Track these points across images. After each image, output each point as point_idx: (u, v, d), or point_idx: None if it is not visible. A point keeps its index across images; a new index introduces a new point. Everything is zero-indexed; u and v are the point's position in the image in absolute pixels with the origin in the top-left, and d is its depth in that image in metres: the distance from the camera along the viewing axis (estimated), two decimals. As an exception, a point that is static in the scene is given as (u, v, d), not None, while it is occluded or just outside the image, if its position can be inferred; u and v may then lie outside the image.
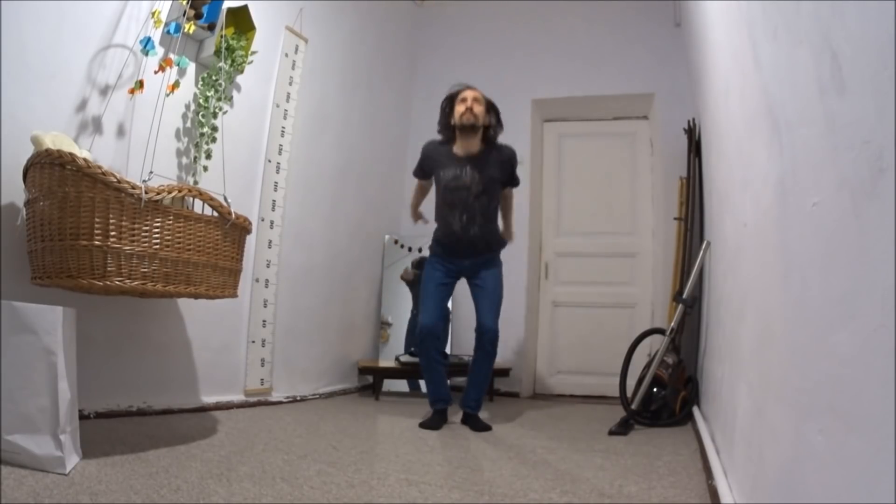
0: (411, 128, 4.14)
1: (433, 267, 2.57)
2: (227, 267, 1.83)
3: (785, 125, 0.86)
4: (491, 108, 2.48)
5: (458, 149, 2.48)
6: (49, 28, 1.84)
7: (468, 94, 2.43)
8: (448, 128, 2.49)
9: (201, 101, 2.33)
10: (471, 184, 2.42)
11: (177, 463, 1.54)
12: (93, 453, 1.52)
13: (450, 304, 3.43)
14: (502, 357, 3.51)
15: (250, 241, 2.50)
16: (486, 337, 2.46)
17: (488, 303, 2.49)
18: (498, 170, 2.48)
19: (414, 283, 3.63)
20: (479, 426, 2.38)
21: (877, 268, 0.51)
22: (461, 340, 3.68)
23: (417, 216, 2.84)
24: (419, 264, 3.67)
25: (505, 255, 3.94)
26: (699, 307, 2.66)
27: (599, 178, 3.86)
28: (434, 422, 2.40)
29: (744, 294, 1.35)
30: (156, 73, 2.08)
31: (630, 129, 3.87)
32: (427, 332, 2.44)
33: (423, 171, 2.63)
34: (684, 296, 2.50)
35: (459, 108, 2.41)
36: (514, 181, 2.60)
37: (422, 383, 3.39)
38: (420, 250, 3.80)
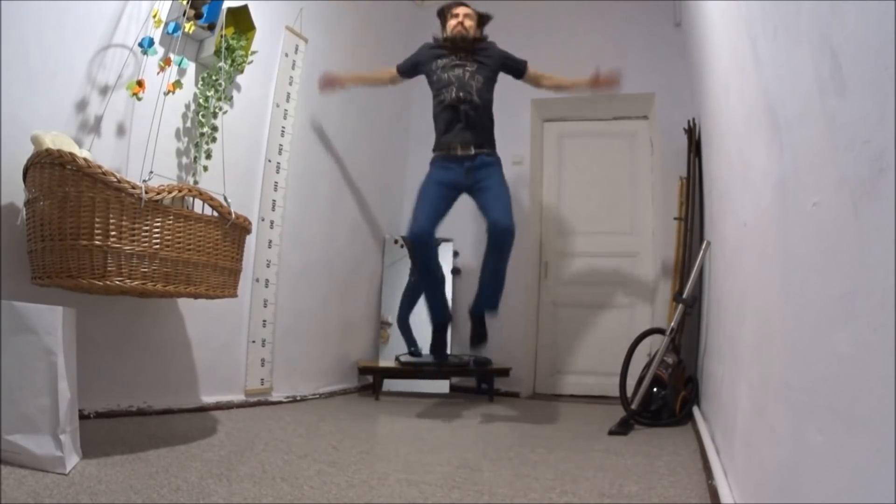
0: (411, 128, 4.14)
1: (430, 175, 2.57)
2: (227, 267, 1.83)
3: (785, 125, 0.86)
4: (482, 21, 2.67)
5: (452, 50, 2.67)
6: (49, 28, 1.84)
7: (460, 10, 2.63)
8: (443, 40, 2.68)
9: (201, 101, 2.33)
10: (465, 63, 2.58)
11: (177, 463, 1.54)
12: (93, 453, 1.52)
13: (450, 298, 3.42)
14: (502, 357, 3.51)
15: (250, 240, 2.50)
16: (500, 229, 2.37)
17: (497, 202, 2.45)
18: (490, 61, 2.63)
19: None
20: (479, 332, 2.42)
21: (877, 268, 0.51)
22: (463, 340, 3.69)
23: (338, 81, 2.83)
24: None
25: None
26: (699, 307, 2.66)
27: (599, 178, 3.86)
28: (439, 340, 2.47)
29: (743, 294, 1.35)
30: (158, 74, 2.08)
31: (630, 129, 3.87)
32: (420, 236, 2.40)
33: (412, 67, 2.72)
34: (684, 296, 2.50)
35: (451, 23, 2.62)
36: (513, 61, 2.72)
37: (421, 383, 3.40)
38: (420, 250, 3.80)
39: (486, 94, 2.58)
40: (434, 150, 2.66)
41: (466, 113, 2.51)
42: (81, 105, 1.94)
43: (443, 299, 2.54)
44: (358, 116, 3.52)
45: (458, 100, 2.51)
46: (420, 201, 2.51)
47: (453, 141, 2.54)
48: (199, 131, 2.34)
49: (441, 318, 2.51)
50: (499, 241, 2.40)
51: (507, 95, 3.90)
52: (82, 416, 1.77)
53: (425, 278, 2.50)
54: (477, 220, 3.62)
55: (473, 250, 3.78)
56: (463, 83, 2.53)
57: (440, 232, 3.70)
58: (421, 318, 3.66)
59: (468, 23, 2.60)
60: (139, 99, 2.05)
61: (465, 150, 2.52)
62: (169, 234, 1.62)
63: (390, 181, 3.91)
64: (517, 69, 2.72)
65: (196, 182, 2.32)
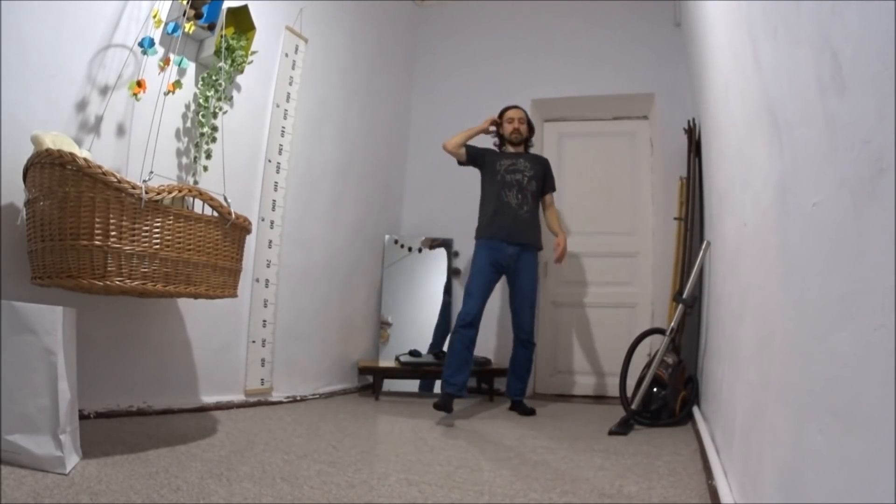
0: (411, 127, 4.15)
1: (480, 257, 2.87)
2: (227, 267, 1.83)
3: (785, 125, 0.86)
4: (529, 122, 3.12)
5: (508, 150, 3.09)
6: (49, 28, 1.84)
7: (514, 114, 3.07)
8: (500, 137, 3.11)
9: (201, 101, 2.33)
10: (524, 169, 2.95)
11: (177, 463, 1.54)
12: (93, 453, 1.52)
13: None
14: (503, 357, 3.51)
15: (250, 241, 2.50)
16: (525, 337, 2.90)
17: (527, 307, 2.89)
18: (539, 167, 3.02)
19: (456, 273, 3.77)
20: (526, 410, 2.82)
21: (877, 268, 0.51)
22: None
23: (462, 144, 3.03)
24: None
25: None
26: (699, 307, 2.66)
27: (599, 178, 3.86)
28: (444, 402, 2.57)
29: (744, 294, 1.35)
30: (158, 74, 2.08)
31: (630, 129, 3.87)
32: (470, 319, 2.72)
33: (473, 158, 3.01)
34: (684, 296, 2.50)
35: (508, 127, 3.05)
36: (551, 181, 3.09)
37: (421, 383, 3.40)
38: (420, 251, 3.80)
39: (535, 200, 2.97)
40: (484, 221, 2.95)
41: (523, 216, 2.90)
42: (81, 105, 1.94)
43: (465, 374, 2.71)
44: (358, 116, 3.52)
45: (518, 205, 2.89)
46: (473, 289, 2.81)
47: (511, 225, 2.87)
48: (199, 131, 2.34)
49: (455, 389, 2.66)
50: (524, 343, 2.91)
51: (508, 95, 3.91)
52: (82, 416, 1.77)
53: (457, 352, 2.70)
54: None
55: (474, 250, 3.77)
56: (522, 187, 2.91)
57: (439, 229, 3.75)
58: (421, 317, 3.67)
59: (521, 127, 3.05)
60: (138, 99, 2.05)
61: (517, 242, 2.88)
62: (169, 234, 1.62)
63: (390, 181, 3.91)
64: (549, 189, 3.07)
65: (196, 182, 2.32)
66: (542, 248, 3.02)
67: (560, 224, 3.08)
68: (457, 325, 2.76)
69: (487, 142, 3.17)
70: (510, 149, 3.07)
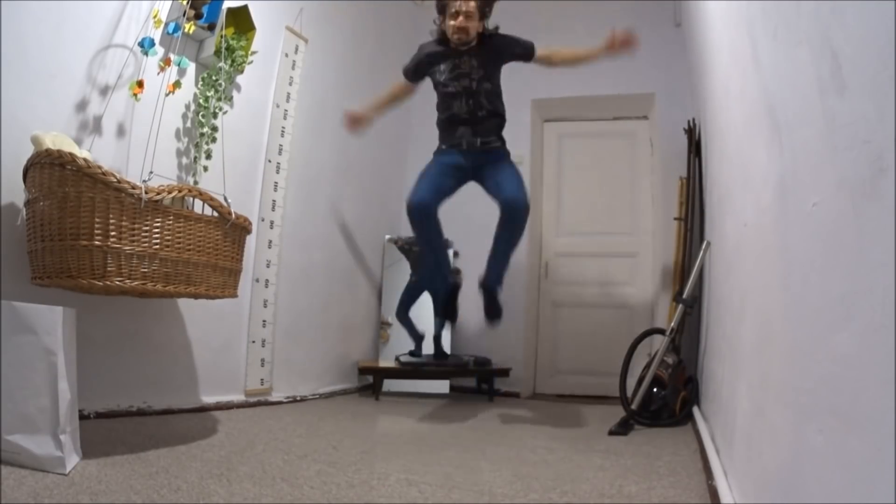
0: (411, 128, 4.14)
1: (436, 158, 2.47)
2: (227, 267, 1.83)
3: (785, 125, 0.86)
4: (483, 11, 2.42)
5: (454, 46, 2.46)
6: (49, 28, 1.84)
7: (460, 4, 2.35)
8: (443, 34, 2.47)
9: (201, 101, 2.33)
10: (470, 70, 2.40)
11: (177, 463, 1.54)
12: (93, 453, 1.51)
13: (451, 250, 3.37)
14: (502, 357, 3.51)
15: (250, 241, 2.49)
16: (516, 206, 2.30)
17: (510, 179, 2.35)
18: (492, 53, 2.45)
19: (407, 251, 3.62)
20: (494, 309, 2.35)
21: (877, 268, 0.51)
22: (461, 340, 3.69)
23: (363, 119, 2.63)
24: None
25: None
26: (699, 307, 2.66)
27: (599, 178, 3.86)
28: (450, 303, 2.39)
29: (743, 294, 1.35)
30: (158, 74, 2.08)
31: (630, 129, 3.87)
32: (418, 207, 2.28)
33: (416, 69, 2.54)
34: (684, 296, 2.50)
35: (451, 24, 2.37)
36: (520, 47, 2.51)
37: (421, 383, 3.40)
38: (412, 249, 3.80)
39: (494, 97, 2.49)
40: (440, 139, 2.57)
41: (478, 119, 2.44)
42: (81, 105, 1.94)
43: (447, 269, 2.44)
44: (358, 116, 3.51)
45: (469, 112, 2.42)
46: (421, 178, 2.40)
47: (465, 132, 2.44)
48: (199, 131, 2.34)
49: (447, 288, 2.42)
50: (513, 217, 2.33)
51: (508, 95, 3.90)
52: (82, 416, 1.76)
53: (429, 254, 2.38)
54: (477, 221, 3.61)
55: (473, 251, 3.77)
56: (471, 92, 2.42)
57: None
58: (421, 318, 3.67)
59: (469, 23, 2.37)
60: (138, 100, 2.05)
61: (472, 145, 2.45)
62: (169, 235, 1.62)
63: (390, 181, 3.91)
64: (525, 55, 2.53)
65: (196, 182, 2.32)
66: (503, 146, 2.56)
67: (575, 49, 2.55)
68: (411, 219, 2.32)
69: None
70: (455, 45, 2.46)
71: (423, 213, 2.30)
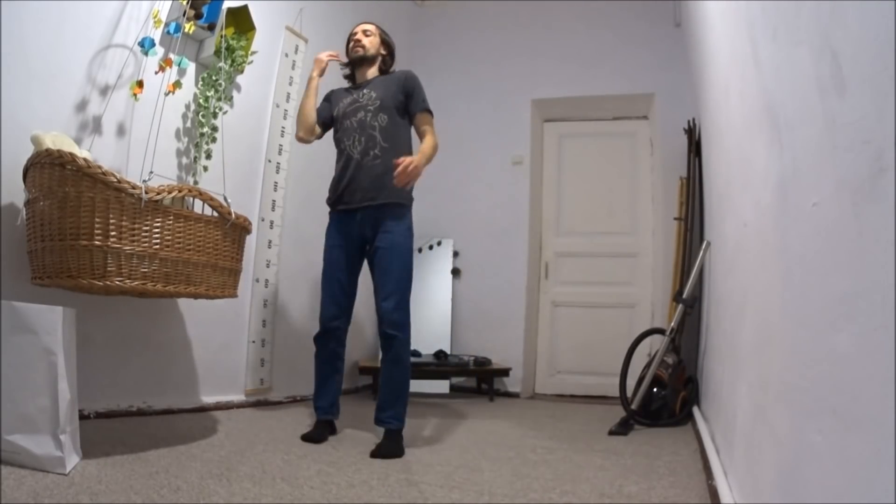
0: (411, 128, 4.14)
1: (330, 239, 2.15)
2: (227, 267, 1.83)
3: (785, 125, 0.86)
4: (384, 41, 2.31)
5: (356, 81, 2.29)
6: (49, 28, 1.84)
7: (358, 27, 2.29)
8: (349, 68, 2.31)
9: (201, 101, 2.33)
10: (367, 101, 2.12)
11: (177, 463, 1.54)
12: (93, 453, 1.52)
13: (448, 298, 3.31)
14: (502, 357, 3.51)
15: (250, 241, 2.49)
16: (389, 331, 1.98)
17: (389, 281, 2.01)
18: (394, 87, 2.15)
19: None
20: (392, 448, 1.86)
21: (877, 268, 0.51)
22: (461, 340, 3.69)
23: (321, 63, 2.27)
24: None
25: (505, 256, 3.90)
26: (699, 307, 2.66)
27: (599, 178, 3.86)
28: (317, 433, 2.00)
29: (743, 294, 1.35)
30: (156, 73, 2.08)
31: (630, 129, 3.87)
32: (323, 330, 2.08)
33: (325, 122, 2.23)
34: (684, 296, 2.50)
35: (350, 44, 2.27)
36: (417, 102, 2.16)
37: (421, 383, 3.40)
38: (420, 250, 3.80)
39: (393, 134, 2.10)
40: (332, 184, 2.20)
41: (371, 163, 2.07)
42: (81, 105, 1.94)
43: (335, 392, 2.13)
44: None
45: (361, 153, 2.07)
46: (324, 285, 2.14)
47: (355, 184, 2.08)
48: (199, 131, 2.33)
49: (323, 413, 2.09)
50: (387, 342, 2.02)
51: (508, 95, 3.91)
52: (82, 416, 1.77)
53: (318, 368, 2.12)
54: (478, 221, 3.60)
55: (474, 250, 3.78)
56: (364, 126, 2.09)
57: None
58: (421, 317, 3.67)
59: (366, 39, 2.23)
60: (137, 100, 2.05)
61: (370, 199, 2.06)
62: (169, 235, 1.62)
63: (390, 181, 3.91)
64: (416, 107, 2.15)
65: (196, 182, 2.32)
66: (407, 202, 2.11)
67: (428, 149, 2.05)
68: (316, 335, 2.12)
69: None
70: (359, 79, 2.25)
71: (330, 334, 2.10)
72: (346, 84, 2.35)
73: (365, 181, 2.06)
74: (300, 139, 2.27)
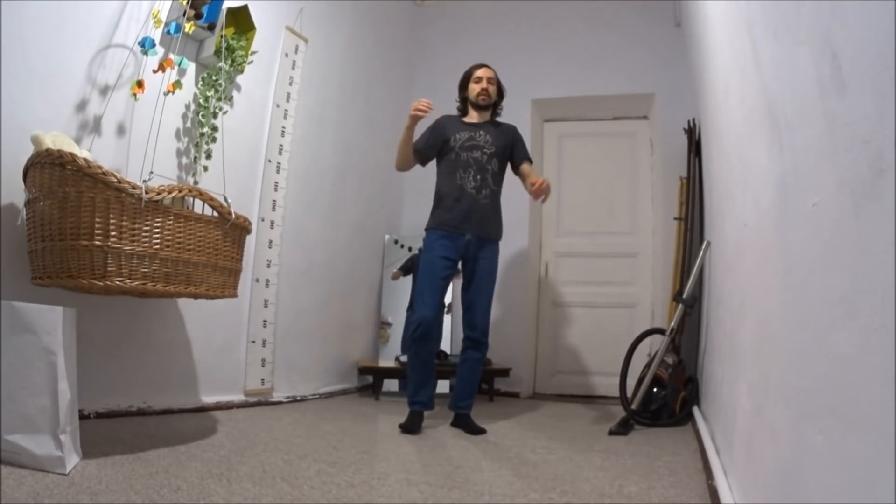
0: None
1: (433, 249, 2.40)
2: (227, 267, 1.83)
3: (785, 125, 0.86)
4: (500, 85, 2.63)
5: (470, 119, 2.59)
6: (49, 28, 1.84)
7: (482, 73, 2.57)
8: (464, 102, 2.62)
9: (201, 101, 2.33)
10: (484, 144, 2.47)
11: (177, 463, 1.54)
12: (93, 453, 1.52)
13: (448, 299, 3.37)
14: (502, 357, 3.51)
15: (250, 241, 2.50)
16: (476, 336, 2.43)
17: (481, 300, 2.42)
18: (504, 140, 2.52)
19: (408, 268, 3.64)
20: (474, 428, 2.31)
21: (877, 268, 0.51)
22: (461, 340, 3.68)
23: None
24: (408, 268, 3.66)
25: (505, 255, 3.91)
26: (699, 307, 2.66)
27: (599, 178, 3.86)
28: (413, 424, 2.27)
29: (744, 294, 1.35)
30: (155, 72, 2.08)
31: (630, 129, 3.88)
32: (426, 326, 2.30)
33: (428, 142, 2.49)
34: (684, 296, 2.50)
35: (475, 88, 2.55)
36: (521, 150, 2.56)
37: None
38: (420, 250, 3.80)
39: (498, 179, 2.49)
40: (439, 207, 2.48)
41: (483, 197, 2.42)
42: (81, 105, 1.94)
43: (431, 388, 2.39)
44: (358, 117, 3.52)
45: (476, 189, 2.41)
46: (424, 287, 2.39)
47: (466, 213, 2.40)
48: (199, 131, 2.34)
49: (421, 406, 2.34)
50: (475, 344, 2.45)
51: (508, 95, 3.90)
52: (82, 416, 1.77)
53: (416, 367, 2.35)
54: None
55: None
56: (481, 166, 2.42)
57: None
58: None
59: (491, 88, 2.54)
60: (137, 100, 2.05)
61: (475, 229, 2.42)
62: (169, 235, 1.62)
63: (390, 181, 3.91)
64: (521, 155, 2.55)
65: (196, 182, 2.32)
66: (500, 238, 2.53)
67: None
68: (410, 337, 2.34)
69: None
70: (473, 117, 2.56)
71: (430, 331, 2.35)
72: (453, 112, 2.64)
73: (479, 215, 2.42)
74: (398, 169, 2.61)
